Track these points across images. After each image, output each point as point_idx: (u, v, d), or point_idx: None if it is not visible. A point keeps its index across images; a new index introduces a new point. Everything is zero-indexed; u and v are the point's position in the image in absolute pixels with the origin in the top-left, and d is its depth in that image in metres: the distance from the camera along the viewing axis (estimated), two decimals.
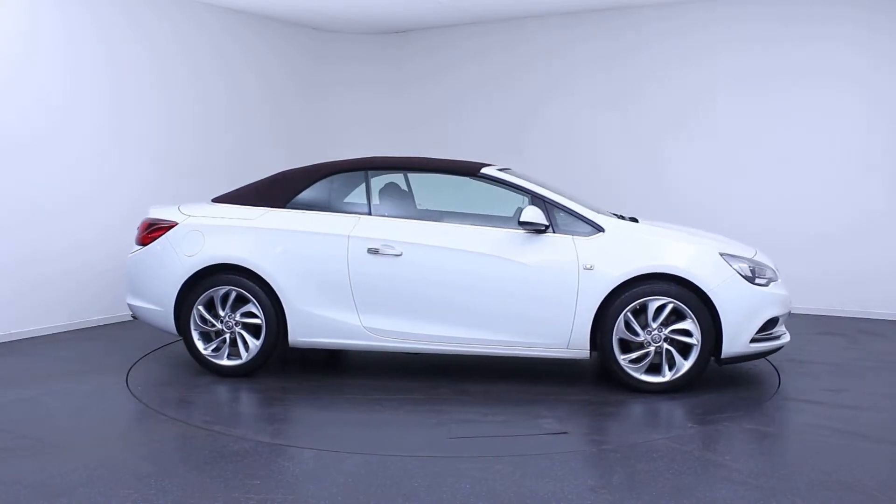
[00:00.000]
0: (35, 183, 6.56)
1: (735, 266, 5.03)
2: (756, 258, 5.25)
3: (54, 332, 6.71)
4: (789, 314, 5.37)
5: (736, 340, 4.96)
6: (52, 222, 6.70)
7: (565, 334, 5.06)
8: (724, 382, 5.29)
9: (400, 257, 5.15)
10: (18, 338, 6.46)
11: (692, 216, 8.03)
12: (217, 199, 5.75)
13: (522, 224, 5.06)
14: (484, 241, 5.16)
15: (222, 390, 5.14)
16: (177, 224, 5.48)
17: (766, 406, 4.81)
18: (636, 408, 4.84)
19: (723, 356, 5.01)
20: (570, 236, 5.09)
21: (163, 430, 4.36)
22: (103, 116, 7.08)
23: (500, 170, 5.47)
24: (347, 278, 5.20)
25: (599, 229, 5.12)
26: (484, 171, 5.39)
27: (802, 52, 7.56)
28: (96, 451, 4.00)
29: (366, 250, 5.18)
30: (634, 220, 5.62)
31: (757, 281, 5.05)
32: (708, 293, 4.91)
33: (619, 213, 5.77)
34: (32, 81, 6.53)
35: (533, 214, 5.06)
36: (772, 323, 5.12)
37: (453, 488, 3.53)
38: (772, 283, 5.13)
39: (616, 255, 5.02)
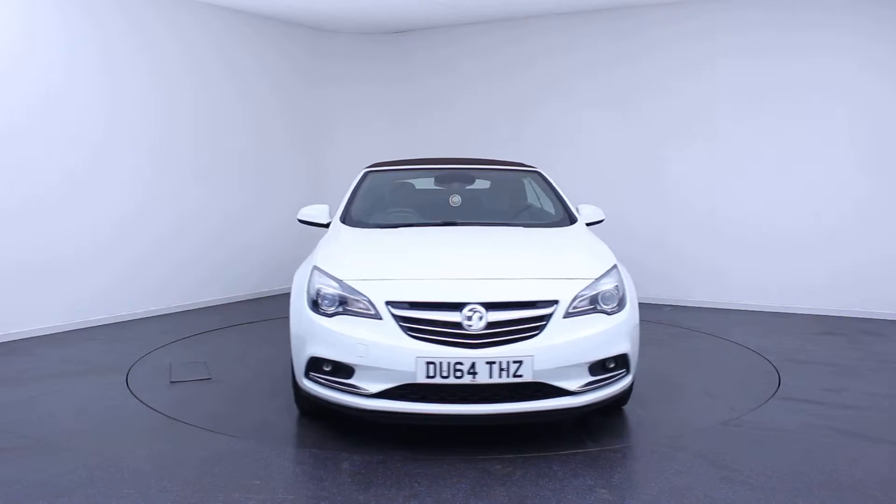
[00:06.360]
0: (34, 184, 6.57)
1: (312, 285, 4.19)
2: (399, 282, 4.05)
3: (54, 332, 6.72)
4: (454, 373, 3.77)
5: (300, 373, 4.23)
6: (51, 222, 6.70)
7: None
8: (723, 382, 5.30)
9: None
10: (18, 338, 6.47)
11: (691, 217, 8.06)
12: None
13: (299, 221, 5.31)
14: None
15: (222, 390, 5.14)
16: None
17: (766, 406, 4.80)
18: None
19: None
20: None
21: (163, 430, 4.37)
22: (104, 117, 7.08)
23: (372, 168, 5.68)
24: None
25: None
26: (365, 169, 5.71)
27: (802, 58, 7.57)
28: (96, 451, 4.00)
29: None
30: (574, 219, 5.14)
31: (322, 309, 4.07)
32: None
33: (574, 208, 5.31)
34: (28, 81, 6.53)
35: (304, 212, 5.27)
36: (339, 369, 3.97)
37: (453, 488, 3.53)
38: (338, 317, 4.00)
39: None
